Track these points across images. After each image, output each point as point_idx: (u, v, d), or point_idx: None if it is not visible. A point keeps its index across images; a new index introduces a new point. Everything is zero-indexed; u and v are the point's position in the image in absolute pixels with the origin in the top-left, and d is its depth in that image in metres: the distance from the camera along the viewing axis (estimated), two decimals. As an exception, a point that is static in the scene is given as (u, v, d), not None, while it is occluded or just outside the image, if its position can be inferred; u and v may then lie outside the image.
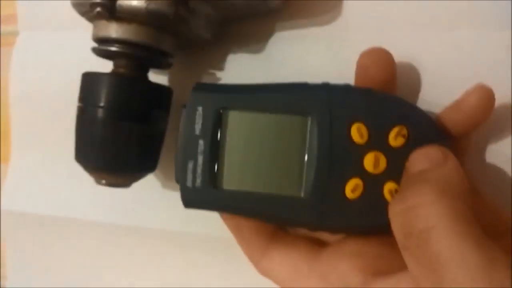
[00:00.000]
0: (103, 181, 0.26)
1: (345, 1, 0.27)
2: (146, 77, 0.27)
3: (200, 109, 0.22)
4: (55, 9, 0.33)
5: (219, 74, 0.30)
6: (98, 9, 0.23)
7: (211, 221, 0.29)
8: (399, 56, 0.23)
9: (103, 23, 0.24)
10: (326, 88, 0.22)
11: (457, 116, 0.22)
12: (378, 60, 0.23)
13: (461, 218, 0.17)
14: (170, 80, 0.31)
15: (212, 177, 0.22)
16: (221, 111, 0.22)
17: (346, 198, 0.21)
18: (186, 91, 0.30)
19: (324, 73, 0.27)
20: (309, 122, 0.22)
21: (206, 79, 0.30)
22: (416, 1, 0.26)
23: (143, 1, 0.23)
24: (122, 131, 0.24)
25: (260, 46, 0.29)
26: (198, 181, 0.22)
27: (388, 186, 0.21)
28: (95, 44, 0.26)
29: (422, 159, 0.20)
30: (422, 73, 0.26)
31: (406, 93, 0.25)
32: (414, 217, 0.18)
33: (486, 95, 0.21)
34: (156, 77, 0.30)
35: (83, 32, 0.27)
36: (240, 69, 0.30)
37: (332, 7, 0.28)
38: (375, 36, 0.27)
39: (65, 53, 0.33)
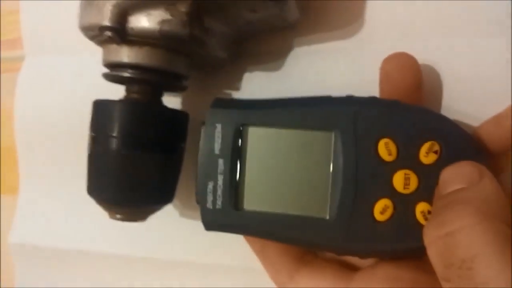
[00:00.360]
0: (118, 216, 0.24)
1: (366, 12, 0.26)
2: (160, 102, 0.25)
3: (219, 126, 0.21)
4: (61, 33, 0.32)
5: (235, 94, 0.28)
6: (108, 33, 0.21)
7: (230, 250, 0.28)
8: (422, 66, 0.22)
9: (113, 47, 0.23)
10: (350, 101, 0.21)
11: (497, 132, 0.20)
12: (402, 65, 0.21)
13: (505, 242, 0.15)
14: (184, 101, 0.29)
15: (233, 198, 0.21)
16: (241, 127, 0.21)
17: (375, 220, 0.20)
18: (202, 113, 0.28)
19: (345, 88, 0.26)
20: (333, 138, 0.20)
21: (222, 100, 0.29)
22: (439, 10, 0.24)
23: (156, 23, 0.21)
24: (138, 162, 0.23)
25: (277, 63, 0.28)
26: (219, 203, 0.21)
27: (421, 207, 0.20)
28: (104, 69, 0.25)
29: (455, 177, 0.18)
30: (447, 82, 0.24)
31: (433, 105, 0.24)
32: (453, 244, 0.16)
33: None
34: (171, 99, 0.29)
35: (90, 56, 0.26)
36: (257, 88, 0.28)
37: (351, 20, 0.26)
38: (397, 48, 0.25)
39: (72, 78, 0.32)
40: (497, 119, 0.21)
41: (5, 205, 0.35)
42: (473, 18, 0.24)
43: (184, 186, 0.28)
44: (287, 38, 0.27)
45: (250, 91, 0.28)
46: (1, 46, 0.35)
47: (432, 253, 0.17)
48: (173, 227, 0.30)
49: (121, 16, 0.21)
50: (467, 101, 0.24)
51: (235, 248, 0.27)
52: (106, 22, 0.21)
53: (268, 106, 0.21)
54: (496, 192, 0.17)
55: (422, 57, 0.24)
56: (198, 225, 0.29)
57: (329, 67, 0.27)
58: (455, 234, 0.16)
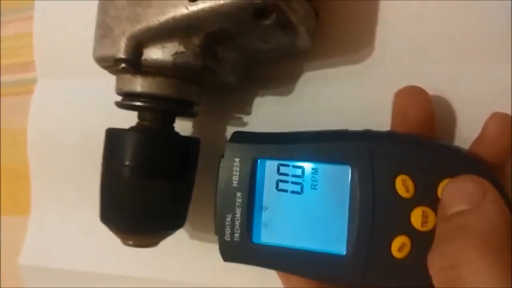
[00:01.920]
0: (131, 242, 0.24)
1: (376, 39, 0.26)
2: (172, 129, 0.25)
3: (237, 160, 0.22)
4: (73, 57, 0.32)
5: (246, 118, 0.29)
6: (123, 65, 0.22)
7: (243, 275, 0.28)
8: (434, 90, 0.22)
9: (127, 77, 0.23)
10: (367, 136, 0.21)
11: (482, 149, 0.20)
12: (416, 99, 0.21)
13: (509, 275, 0.15)
14: (196, 125, 0.30)
15: (250, 231, 0.21)
16: (258, 161, 0.21)
17: (392, 257, 0.20)
18: (213, 137, 0.29)
19: (357, 113, 0.26)
20: (350, 173, 0.20)
21: (233, 124, 0.29)
22: (449, 35, 0.25)
23: (169, 55, 0.22)
24: (150, 189, 0.23)
25: (288, 87, 0.28)
26: (236, 235, 0.21)
27: None
28: (117, 96, 0.25)
29: (458, 196, 0.18)
30: (460, 108, 0.24)
31: (443, 130, 0.24)
32: (457, 278, 0.16)
33: (505, 121, 0.20)
34: (181, 123, 0.29)
35: (103, 80, 0.27)
36: (268, 112, 0.28)
37: (363, 45, 0.26)
38: (409, 72, 0.25)
39: (84, 101, 0.32)
40: (479, 138, 0.21)
41: (11, 226, 0.35)
42: (483, 43, 0.24)
43: (197, 210, 0.28)
44: (298, 62, 0.28)
45: (261, 115, 0.28)
46: (15, 69, 0.35)
47: (437, 283, 0.17)
48: (185, 250, 0.30)
49: (136, 48, 0.22)
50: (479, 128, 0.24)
51: (248, 273, 0.27)
52: (121, 55, 0.22)
53: (285, 140, 0.22)
54: (501, 214, 0.17)
55: (431, 83, 0.24)
56: (211, 248, 0.29)
57: (339, 92, 0.27)
58: (459, 268, 0.16)
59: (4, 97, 0.36)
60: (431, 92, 0.22)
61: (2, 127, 0.36)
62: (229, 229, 0.22)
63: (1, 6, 0.35)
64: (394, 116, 0.22)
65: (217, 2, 0.20)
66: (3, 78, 0.36)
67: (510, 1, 0.23)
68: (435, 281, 0.17)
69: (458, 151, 0.21)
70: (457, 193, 0.18)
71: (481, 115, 0.23)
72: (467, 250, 0.16)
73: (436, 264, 0.17)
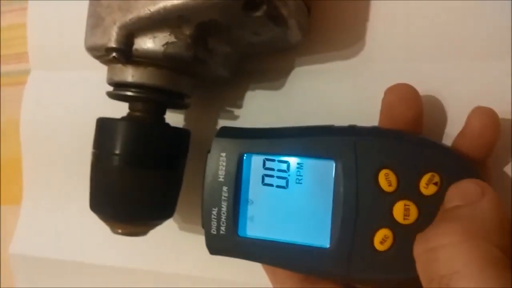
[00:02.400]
0: (120, 231, 0.24)
1: (367, 33, 0.26)
2: (163, 120, 0.25)
3: (223, 155, 0.22)
4: (66, 48, 0.33)
5: (237, 111, 0.29)
6: (114, 54, 0.22)
7: (231, 265, 0.28)
8: (425, 87, 0.22)
9: (118, 67, 0.23)
10: (352, 131, 0.21)
11: (465, 144, 0.21)
12: (405, 97, 0.21)
13: (490, 263, 0.15)
14: (187, 118, 0.30)
15: (236, 225, 0.22)
16: (244, 156, 0.22)
17: (375, 249, 0.20)
18: (204, 129, 0.29)
19: (347, 109, 0.26)
20: (334, 167, 0.21)
21: (224, 117, 0.29)
22: (441, 32, 0.25)
23: (160, 45, 0.22)
24: (139, 179, 0.23)
25: (280, 82, 0.28)
26: (222, 229, 0.22)
27: None
28: (108, 85, 0.25)
29: (457, 194, 0.18)
30: (451, 103, 0.24)
31: (432, 128, 0.24)
32: (435, 260, 0.16)
33: (488, 115, 0.20)
34: (173, 115, 0.29)
35: (95, 71, 0.27)
36: (259, 106, 0.28)
37: (354, 40, 0.26)
38: (400, 69, 0.26)
39: (76, 92, 0.33)
40: (462, 132, 0.21)
41: (7, 216, 0.35)
42: (476, 41, 0.24)
43: (187, 202, 0.28)
44: (289, 57, 0.28)
45: (252, 109, 0.29)
46: (8, 60, 0.35)
47: (418, 266, 0.17)
48: (175, 242, 0.30)
49: (127, 38, 0.22)
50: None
51: (235, 264, 0.28)
52: (112, 44, 0.22)
53: (271, 135, 0.22)
54: (495, 211, 0.17)
55: (422, 79, 0.24)
56: (201, 240, 0.29)
57: (330, 86, 0.27)
58: (437, 250, 0.16)
59: (-1, 87, 0.36)
60: (421, 88, 0.22)
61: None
62: (215, 223, 0.22)
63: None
64: (382, 113, 0.22)
65: (208, -7, 0.20)
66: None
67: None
68: (417, 265, 0.17)
69: (441, 146, 0.21)
70: (457, 191, 0.18)
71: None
72: (447, 235, 0.16)
73: (418, 247, 0.17)
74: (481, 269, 0.15)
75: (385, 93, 0.22)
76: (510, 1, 0.23)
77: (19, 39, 0.34)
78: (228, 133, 0.22)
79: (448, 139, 0.24)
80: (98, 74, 0.26)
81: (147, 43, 0.22)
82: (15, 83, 0.35)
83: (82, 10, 0.24)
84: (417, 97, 0.22)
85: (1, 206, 0.36)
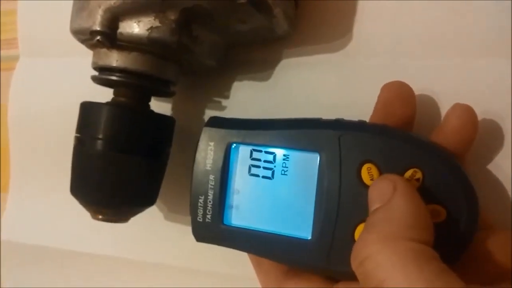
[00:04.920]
0: (100, 217, 0.24)
1: (355, 27, 0.26)
2: (147, 107, 0.25)
3: (212, 144, 0.22)
4: (56, 35, 0.32)
5: (224, 102, 0.29)
6: (98, 37, 0.22)
7: (215, 255, 0.28)
8: (411, 83, 0.22)
9: (103, 51, 0.23)
10: (338, 125, 0.21)
11: (443, 139, 0.21)
12: (401, 95, 0.22)
13: (412, 260, 0.15)
14: (173, 107, 0.30)
15: (222, 213, 0.22)
16: (232, 146, 0.22)
17: None
18: (190, 119, 0.29)
19: (333, 101, 0.27)
20: (318, 160, 0.21)
21: (210, 107, 0.29)
22: (428, 27, 0.25)
23: (145, 30, 0.22)
24: (121, 164, 0.23)
25: (267, 73, 0.28)
26: (208, 216, 0.22)
27: None
28: (95, 72, 0.25)
29: (374, 194, 0.19)
30: (435, 100, 0.24)
31: (420, 122, 0.24)
32: (365, 273, 0.16)
33: (467, 112, 0.20)
34: (159, 104, 0.29)
35: (84, 58, 0.27)
36: (246, 97, 0.28)
37: (342, 33, 0.27)
38: (385, 63, 0.26)
39: (65, 80, 0.32)
40: (440, 129, 0.21)
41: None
42: (462, 37, 0.24)
43: (172, 190, 0.28)
44: (276, 48, 0.28)
45: (239, 99, 0.29)
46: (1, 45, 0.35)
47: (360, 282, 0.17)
48: (159, 230, 0.30)
49: (112, 21, 0.22)
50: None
51: (220, 253, 0.27)
52: (97, 27, 0.22)
53: (259, 127, 0.22)
54: (407, 207, 0.17)
55: (408, 74, 0.24)
56: (186, 229, 0.29)
57: (316, 79, 0.27)
58: (364, 264, 0.16)
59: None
60: (409, 81, 0.22)
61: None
62: (201, 210, 0.22)
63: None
64: (377, 109, 0.22)
65: (192, -23, 0.20)
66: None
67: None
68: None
69: (424, 142, 0.21)
70: (374, 191, 0.19)
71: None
72: (369, 245, 0.17)
73: (352, 263, 0.18)
74: (404, 269, 0.15)
75: (382, 89, 0.22)
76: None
77: (10, 25, 0.34)
78: (217, 122, 0.23)
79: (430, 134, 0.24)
80: (86, 61, 0.26)
81: (132, 27, 0.22)
82: (4, 69, 0.35)
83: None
84: (412, 96, 0.22)
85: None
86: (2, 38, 0.35)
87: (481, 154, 0.23)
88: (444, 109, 0.24)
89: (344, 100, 0.26)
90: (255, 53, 0.28)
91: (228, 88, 0.29)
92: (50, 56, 0.33)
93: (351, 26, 0.26)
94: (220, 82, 0.29)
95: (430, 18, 0.25)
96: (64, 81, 0.33)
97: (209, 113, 0.29)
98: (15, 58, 0.34)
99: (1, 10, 0.35)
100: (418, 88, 0.24)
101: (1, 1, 0.35)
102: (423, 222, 0.17)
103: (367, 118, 0.23)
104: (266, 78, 0.28)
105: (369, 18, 0.26)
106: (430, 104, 0.24)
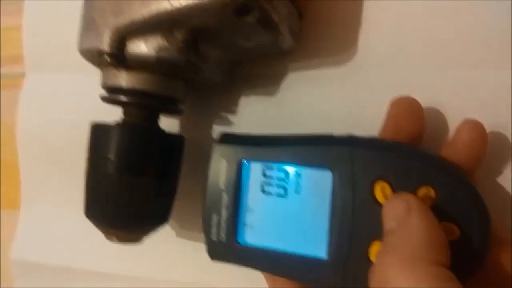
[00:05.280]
0: (114, 238, 0.24)
1: (359, 40, 0.26)
2: (157, 125, 0.25)
3: (224, 161, 0.22)
4: (61, 51, 0.32)
5: (231, 117, 0.29)
6: (107, 57, 0.22)
7: (228, 272, 0.28)
8: (416, 94, 0.22)
9: (112, 71, 0.23)
10: (350, 141, 0.21)
11: (453, 155, 0.21)
12: (410, 110, 0.22)
13: (431, 283, 0.15)
14: (181, 123, 0.30)
15: (235, 232, 0.22)
16: (244, 163, 0.22)
17: (370, 261, 0.20)
18: (199, 135, 0.29)
19: (340, 114, 0.27)
20: (331, 178, 0.20)
21: (218, 122, 0.29)
22: (433, 40, 0.25)
23: (153, 50, 0.22)
24: (133, 185, 0.23)
25: (273, 87, 0.28)
26: (222, 235, 0.22)
27: None
28: (103, 90, 0.25)
29: (388, 213, 0.19)
30: (442, 112, 0.24)
31: (427, 134, 0.24)
32: None
33: (477, 128, 0.21)
34: (168, 121, 0.29)
35: (90, 75, 0.27)
36: (253, 111, 0.29)
37: (347, 47, 0.27)
38: (391, 75, 0.26)
39: (73, 96, 0.33)
40: (451, 145, 0.21)
41: (5, 220, 0.35)
42: (467, 48, 0.24)
43: (183, 207, 0.28)
44: (282, 63, 0.28)
45: (246, 114, 0.29)
46: (3, 62, 0.35)
47: None
48: (171, 248, 0.30)
49: (120, 41, 0.22)
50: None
51: (233, 271, 0.27)
52: (105, 47, 0.22)
53: (271, 143, 0.22)
54: (422, 228, 0.17)
55: (414, 86, 0.24)
56: (198, 246, 0.29)
57: (322, 92, 0.27)
58: (384, 284, 0.16)
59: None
60: (414, 96, 0.22)
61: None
62: (215, 229, 0.22)
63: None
64: (387, 125, 0.22)
65: (200, -2, 0.20)
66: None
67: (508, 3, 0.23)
68: None
69: (437, 159, 0.21)
70: (388, 210, 0.19)
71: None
72: (387, 269, 0.17)
73: (371, 283, 0.18)
74: None
75: (391, 105, 0.22)
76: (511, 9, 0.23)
77: (15, 41, 0.34)
78: (229, 139, 0.23)
79: (438, 147, 0.24)
80: (94, 77, 0.26)
81: (140, 47, 0.22)
82: (10, 86, 0.35)
83: (77, 14, 0.25)
84: (421, 111, 0.22)
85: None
86: (7, 54, 0.35)
87: (489, 166, 0.23)
88: (450, 120, 0.24)
89: (351, 113, 0.26)
90: (260, 68, 0.28)
91: (235, 103, 0.29)
92: (56, 72, 0.33)
93: (356, 39, 0.26)
94: (227, 97, 0.29)
95: (435, 30, 0.25)
96: (71, 97, 0.33)
97: (217, 128, 0.29)
98: (21, 75, 0.34)
99: (5, 26, 0.35)
100: (423, 99, 0.24)
101: (4, 17, 0.35)
102: (440, 243, 0.17)
103: (374, 131, 0.23)
104: (272, 92, 0.28)
105: (374, 31, 0.26)
106: (436, 116, 0.24)
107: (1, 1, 0.35)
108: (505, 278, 0.19)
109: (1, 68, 0.35)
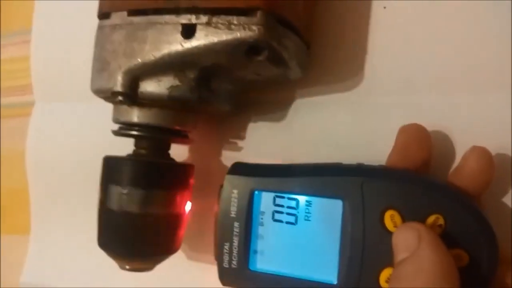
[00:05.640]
0: (127, 267, 0.25)
1: (366, 66, 0.27)
2: (168, 156, 0.26)
3: (235, 191, 0.23)
4: (70, 80, 0.33)
5: (240, 143, 0.29)
6: (120, 97, 0.22)
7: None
8: (424, 121, 0.23)
9: (124, 107, 0.24)
10: (359, 170, 0.22)
11: (460, 181, 0.21)
12: (419, 137, 0.22)
13: None
14: (191, 150, 0.30)
15: (247, 259, 0.22)
16: (255, 193, 0.22)
17: (381, 287, 0.20)
18: (208, 161, 0.30)
19: (347, 140, 0.27)
20: (342, 206, 0.21)
21: (227, 148, 0.30)
22: (439, 65, 0.25)
23: (165, 89, 0.22)
24: (146, 218, 0.24)
25: (281, 113, 0.29)
26: (234, 262, 0.23)
27: None
28: (111, 118, 0.26)
29: (399, 243, 0.19)
30: (449, 137, 0.25)
31: (438, 163, 0.24)
32: None
33: (484, 156, 0.21)
34: (178, 147, 0.30)
35: (100, 104, 0.27)
36: (261, 137, 0.29)
37: (354, 73, 0.27)
38: (399, 101, 0.26)
39: (81, 124, 0.33)
40: (458, 171, 0.22)
41: (11, 245, 0.36)
42: (476, 73, 0.24)
43: (192, 233, 0.29)
44: (290, 90, 0.28)
45: (254, 140, 0.29)
46: (11, 92, 0.36)
47: None
48: (181, 273, 0.30)
49: (132, 81, 0.22)
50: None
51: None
52: (118, 88, 0.22)
53: (282, 173, 0.23)
54: (433, 257, 0.17)
55: (421, 112, 0.25)
56: (206, 271, 0.30)
57: (329, 118, 0.27)
58: None
59: (3, 119, 0.36)
60: (420, 121, 0.23)
61: (1, 148, 0.36)
62: (227, 257, 0.23)
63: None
64: (396, 152, 0.23)
65: (211, 40, 0.20)
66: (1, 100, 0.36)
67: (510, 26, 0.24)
68: None
69: (445, 187, 0.21)
70: (399, 240, 0.19)
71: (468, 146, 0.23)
72: None
73: None
74: None
75: (399, 132, 0.23)
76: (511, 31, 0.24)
77: (21, 71, 0.35)
78: (240, 170, 0.23)
79: (444, 172, 0.24)
80: (103, 106, 0.26)
81: (152, 87, 0.22)
82: (17, 115, 0.36)
83: (86, 43, 0.25)
84: (429, 139, 0.22)
85: (1, 235, 0.36)
86: (17, 84, 0.36)
87: (496, 188, 0.24)
88: (457, 145, 0.24)
89: (358, 139, 0.27)
90: (269, 95, 0.29)
91: (244, 129, 0.29)
92: (65, 100, 0.34)
93: (363, 65, 0.27)
94: (235, 123, 0.29)
95: (440, 55, 0.25)
96: (80, 125, 0.33)
97: (225, 154, 0.30)
98: (28, 104, 0.35)
99: (13, 56, 0.36)
100: (430, 125, 0.25)
101: (13, 47, 0.36)
102: (450, 272, 0.17)
103: (382, 156, 0.23)
104: (280, 118, 0.29)
105: (380, 57, 0.26)
106: (443, 141, 0.25)
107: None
108: None
109: (10, 97, 0.36)
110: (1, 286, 0.36)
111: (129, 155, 0.25)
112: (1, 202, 0.36)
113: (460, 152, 0.24)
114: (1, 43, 0.36)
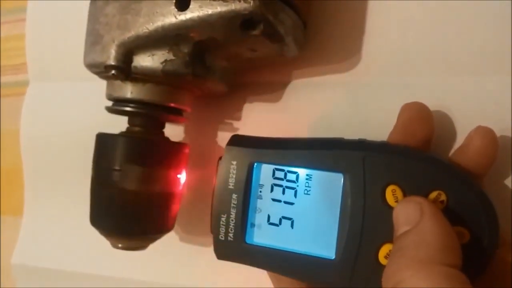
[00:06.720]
0: (120, 245, 0.25)
1: (363, 47, 0.26)
2: (162, 134, 0.26)
3: (234, 163, 0.22)
4: (65, 59, 0.33)
5: (236, 123, 0.29)
6: (113, 71, 0.22)
7: (231, 275, 0.29)
8: (421, 100, 0.22)
9: (117, 83, 0.24)
10: (361, 145, 0.21)
11: (465, 162, 0.21)
12: (421, 115, 0.22)
13: (443, 286, 0.16)
14: (186, 130, 0.30)
15: (244, 232, 0.22)
16: (255, 165, 0.22)
17: (379, 263, 0.20)
18: (203, 141, 0.29)
19: (344, 120, 0.27)
20: (342, 181, 0.21)
21: (223, 129, 0.29)
22: (436, 46, 0.25)
23: (159, 63, 0.22)
24: (139, 195, 0.24)
25: (277, 94, 0.28)
26: (230, 235, 0.22)
27: None
28: (107, 100, 0.25)
29: (401, 217, 0.19)
30: (447, 118, 0.25)
31: (439, 144, 0.24)
32: None
33: (489, 135, 0.21)
34: (173, 127, 0.30)
35: (94, 83, 0.27)
36: (257, 118, 0.29)
37: (351, 54, 0.27)
38: (395, 81, 0.26)
39: (76, 104, 0.33)
40: (462, 150, 0.21)
41: (7, 226, 0.36)
42: (472, 55, 0.24)
43: (186, 212, 0.29)
44: (286, 70, 0.28)
45: (250, 120, 0.29)
46: (6, 71, 0.35)
47: None
48: (175, 252, 0.30)
49: (126, 55, 0.22)
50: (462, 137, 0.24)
51: (238, 273, 0.28)
52: (111, 61, 0.22)
53: (282, 146, 0.22)
54: (435, 230, 0.17)
55: (417, 93, 0.24)
56: (201, 250, 0.29)
57: (326, 99, 0.27)
58: (399, 286, 0.17)
59: (-1, 98, 0.36)
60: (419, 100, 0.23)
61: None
62: (223, 229, 0.22)
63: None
64: (397, 130, 0.23)
65: (206, 12, 0.20)
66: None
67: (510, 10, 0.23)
68: None
69: (447, 164, 0.21)
70: (400, 213, 0.19)
71: (467, 128, 0.23)
72: (402, 270, 0.17)
73: (383, 285, 0.18)
74: None
75: (402, 110, 0.22)
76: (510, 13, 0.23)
77: (17, 50, 0.35)
78: (240, 141, 0.23)
79: (444, 152, 0.24)
80: (97, 85, 0.26)
81: (146, 61, 0.22)
82: (13, 94, 0.35)
83: (80, 22, 0.25)
84: (431, 117, 0.22)
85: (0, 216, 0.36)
86: (10, 63, 0.35)
87: (497, 170, 0.24)
88: (455, 126, 0.24)
89: (354, 120, 0.26)
90: (265, 75, 0.28)
91: (239, 109, 0.29)
92: (60, 80, 0.33)
93: (360, 46, 0.26)
94: (231, 104, 0.29)
95: (438, 36, 0.25)
96: (74, 105, 0.33)
97: (221, 135, 0.29)
98: (24, 83, 0.34)
99: (7, 35, 0.35)
100: (429, 105, 0.25)
101: (8, 26, 0.35)
102: (453, 246, 0.17)
103: (378, 137, 0.23)
104: (276, 99, 0.28)
105: (377, 37, 0.26)
106: (442, 122, 0.25)
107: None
108: (510, 276, 0.20)
109: (5, 76, 0.35)
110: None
111: (122, 132, 0.25)
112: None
113: (458, 133, 0.24)
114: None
